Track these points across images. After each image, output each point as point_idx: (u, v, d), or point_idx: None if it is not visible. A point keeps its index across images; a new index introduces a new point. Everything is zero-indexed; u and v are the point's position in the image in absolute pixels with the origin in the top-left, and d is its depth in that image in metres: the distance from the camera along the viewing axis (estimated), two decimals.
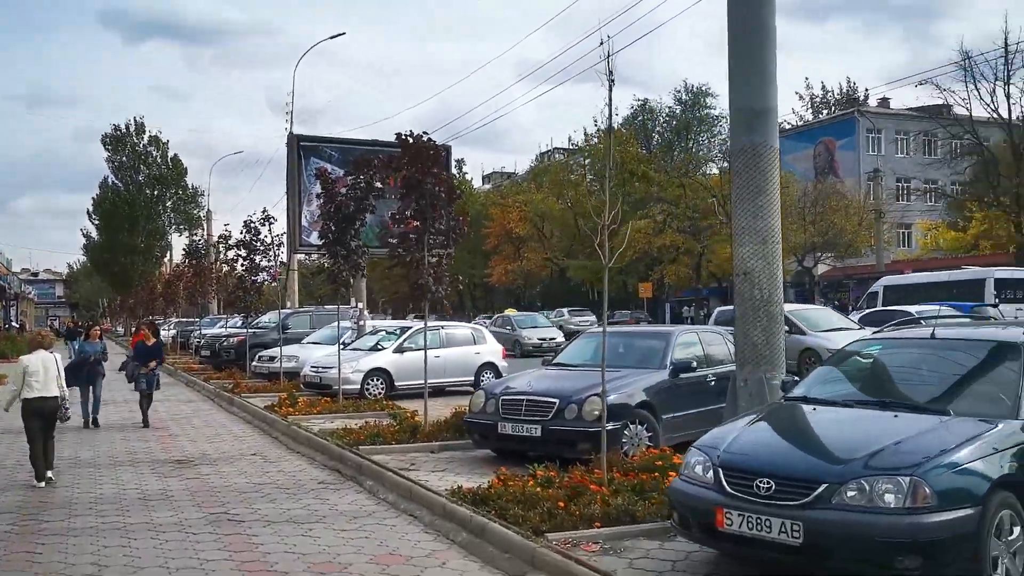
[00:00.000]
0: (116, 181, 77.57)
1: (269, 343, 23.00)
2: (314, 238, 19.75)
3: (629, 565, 5.66)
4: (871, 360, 6.30)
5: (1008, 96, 35.90)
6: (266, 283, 22.28)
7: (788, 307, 18.43)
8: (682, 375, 9.89)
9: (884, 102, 70.40)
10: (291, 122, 28.51)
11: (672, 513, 5.56)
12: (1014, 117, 36.43)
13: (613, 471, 7.48)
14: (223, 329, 29.68)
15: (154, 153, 78.20)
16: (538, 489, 7.01)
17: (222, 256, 26.11)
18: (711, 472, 5.18)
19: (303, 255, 31.60)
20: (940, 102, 72.54)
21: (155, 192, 78.52)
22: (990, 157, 36.52)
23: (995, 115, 36.37)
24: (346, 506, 8.15)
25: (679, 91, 65.32)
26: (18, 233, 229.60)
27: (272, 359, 20.53)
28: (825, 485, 4.62)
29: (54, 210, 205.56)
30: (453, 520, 7.00)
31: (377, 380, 17.03)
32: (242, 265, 21.15)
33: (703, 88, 65.36)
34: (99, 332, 16.25)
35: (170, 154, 79.13)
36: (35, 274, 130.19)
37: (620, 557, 5.84)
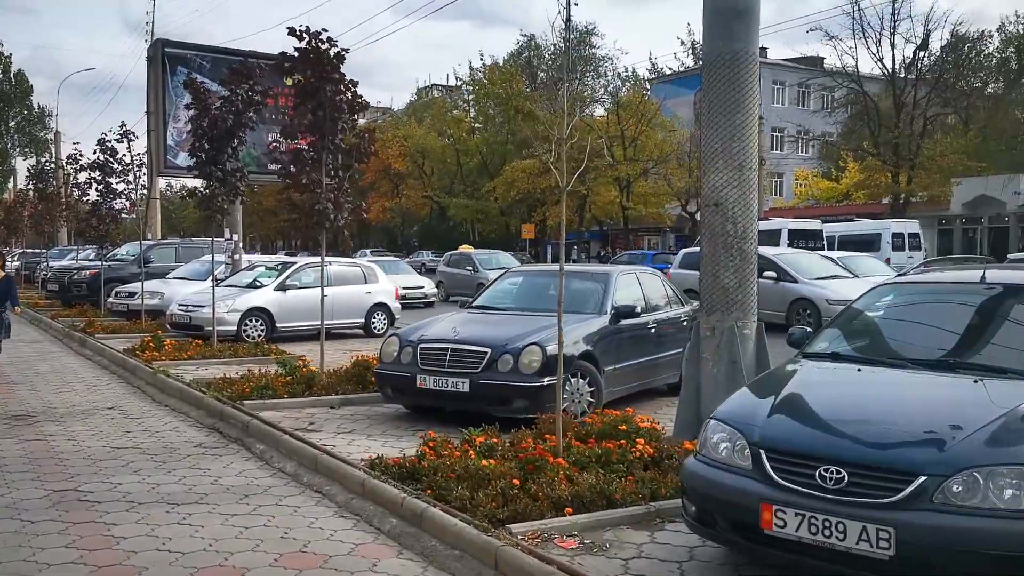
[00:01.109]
0: None
1: (128, 278, 20.63)
2: (182, 159, 17.42)
3: (624, 570, 4.40)
4: (908, 309, 5.18)
5: (893, 46, 36.36)
6: (124, 212, 19.74)
7: (772, 251, 16.93)
8: (624, 321, 8.68)
9: (762, 52, 71.22)
10: (152, 27, 25.25)
11: (685, 504, 4.30)
12: (896, 68, 36.96)
13: (568, 436, 6.20)
14: (74, 261, 26.71)
15: None
16: (484, 462, 5.64)
17: (72, 180, 23.14)
18: (747, 454, 3.94)
19: (167, 181, 28.66)
20: (816, 54, 74.17)
21: None
22: (871, 107, 36.98)
23: (879, 64, 36.82)
24: (233, 479, 6.56)
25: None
26: None
27: (132, 295, 18.25)
28: (924, 478, 3.44)
29: None
30: (377, 501, 5.57)
31: (256, 321, 15.18)
32: (96, 190, 18.63)
33: (589, 27, 64.32)
34: None
35: (13, 69, 72.38)
36: None
37: (608, 557, 4.56)
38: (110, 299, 18.90)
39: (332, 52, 9.61)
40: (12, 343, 16.07)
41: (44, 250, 37.21)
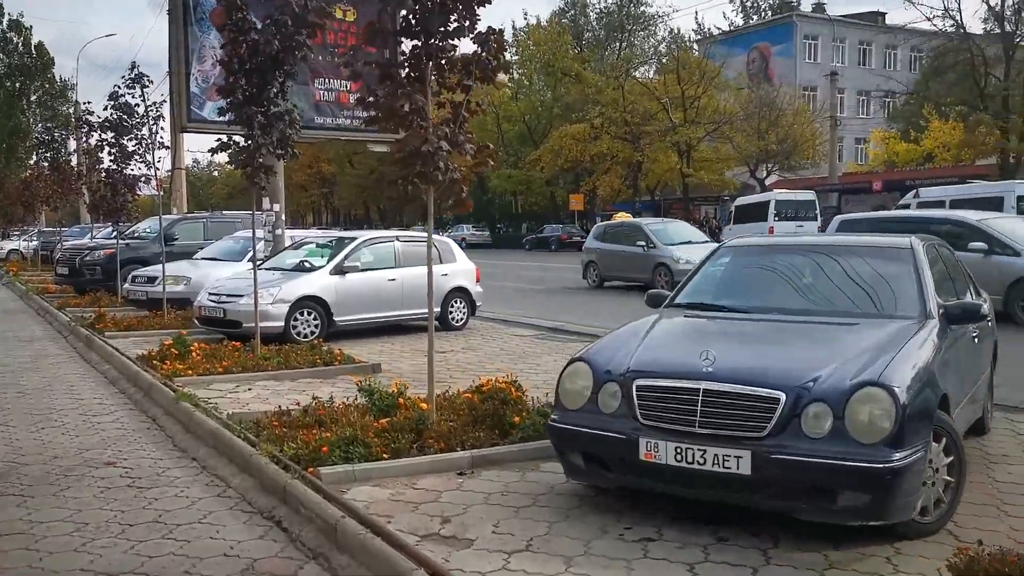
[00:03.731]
0: None
1: (148, 258, 17.44)
2: (209, 110, 14.05)
3: None
4: None
5: None
6: (143, 180, 16.36)
7: (975, 216, 15.57)
8: (952, 327, 5.12)
9: (819, 7, 66.88)
10: None
11: None
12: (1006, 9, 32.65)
13: None
14: (89, 240, 23.51)
15: (15, 40, 68.52)
16: None
17: (83, 143, 19.86)
18: None
19: (193, 157, 25.26)
20: (878, 9, 69.40)
21: (17, 84, 69.09)
22: (977, 54, 32.72)
23: (990, 8, 32.57)
24: None
25: None
26: None
27: (152, 280, 14.97)
28: None
29: None
30: None
31: (309, 314, 11.78)
32: (109, 154, 15.30)
33: None
34: None
35: (34, 41, 69.68)
36: None
37: None
38: (127, 285, 15.65)
39: None
40: (4, 342, 12.92)
41: (61, 228, 34.37)
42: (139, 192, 17.21)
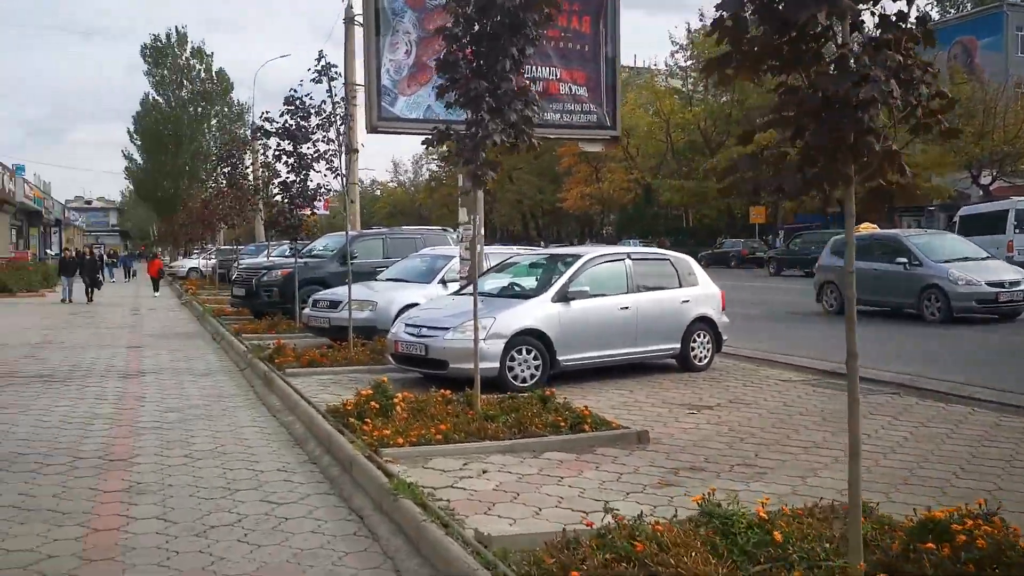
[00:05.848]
0: (157, 97, 70.85)
1: (327, 279, 15.89)
2: (401, 106, 11.94)
3: None
4: None
5: None
6: (323, 190, 14.58)
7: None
8: None
9: None
10: None
11: None
12: None
13: None
14: (264, 259, 22.31)
15: (197, 67, 71.18)
16: None
17: (260, 155, 18.44)
18: None
19: (383, 136, 23.59)
20: None
21: (199, 109, 71.74)
22: None
23: None
24: None
25: None
26: (75, 163, 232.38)
27: (335, 305, 13.02)
28: None
29: (107, 141, 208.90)
30: None
31: (528, 352, 9.32)
32: (285, 164, 13.63)
33: None
34: None
35: (215, 67, 72.17)
36: (88, 202, 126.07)
37: None
38: (306, 310, 13.81)
39: None
40: (178, 375, 11.24)
41: (238, 246, 34.07)
42: (317, 208, 15.49)
